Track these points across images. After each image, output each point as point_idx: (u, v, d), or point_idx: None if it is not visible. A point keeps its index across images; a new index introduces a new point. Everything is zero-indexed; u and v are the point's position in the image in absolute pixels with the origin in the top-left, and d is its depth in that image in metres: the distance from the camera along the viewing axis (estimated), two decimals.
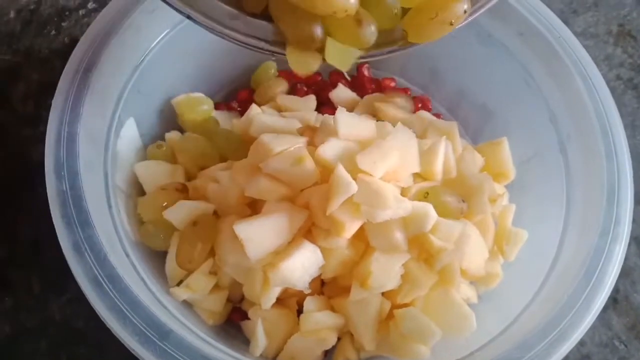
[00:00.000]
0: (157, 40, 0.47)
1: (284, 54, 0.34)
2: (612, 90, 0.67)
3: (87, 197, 0.37)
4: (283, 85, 0.54)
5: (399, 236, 0.40)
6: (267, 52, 0.35)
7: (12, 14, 0.63)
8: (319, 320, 0.41)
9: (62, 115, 0.40)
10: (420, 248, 0.41)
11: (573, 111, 0.46)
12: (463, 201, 0.41)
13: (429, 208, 0.40)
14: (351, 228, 0.38)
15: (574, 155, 0.46)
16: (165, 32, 0.47)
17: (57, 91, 0.41)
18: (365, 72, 0.56)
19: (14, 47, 0.61)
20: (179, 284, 0.43)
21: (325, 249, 0.40)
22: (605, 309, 0.55)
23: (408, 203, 0.39)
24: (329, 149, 0.40)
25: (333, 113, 0.50)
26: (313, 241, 0.40)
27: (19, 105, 0.58)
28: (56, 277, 0.50)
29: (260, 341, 0.41)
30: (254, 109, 0.50)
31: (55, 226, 0.36)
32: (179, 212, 0.42)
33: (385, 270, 0.39)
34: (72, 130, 0.39)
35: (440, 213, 0.40)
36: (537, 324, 0.39)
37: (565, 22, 0.70)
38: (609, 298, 0.54)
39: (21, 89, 0.59)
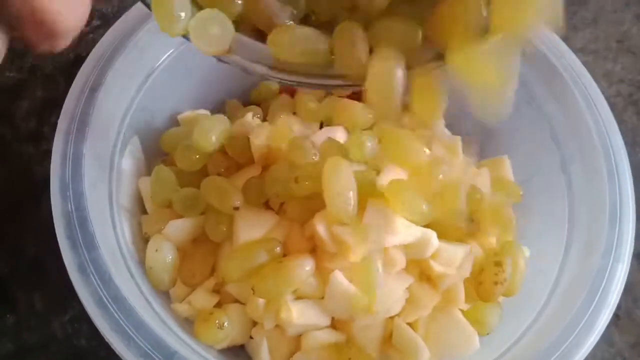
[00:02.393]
0: (162, 59, 0.47)
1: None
2: (612, 106, 0.67)
3: (92, 217, 0.38)
4: (291, 102, 0.54)
5: (398, 257, 0.40)
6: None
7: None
8: (321, 338, 0.41)
9: (67, 136, 0.40)
10: (422, 272, 0.41)
11: (575, 131, 0.46)
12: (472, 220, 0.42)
13: (431, 235, 0.40)
14: (358, 251, 0.39)
15: (576, 175, 0.46)
16: (170, 51, 0.47)
17: (62, 112, 0.41)
18: None
19: (18, 64, 0.61)
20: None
21: (329, 269, 0.40)
22: (607, 325, 0.55)
23: (416, 229, 0.40)
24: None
25: None
26: (317, 262, 0.40)
27: (22, 122, 0.58)
28: (59, 295, 0.50)
29: None
30: (247, 117, 0.49)
31: (61, 248, 0.36)
32: (175, 232, 0.42)
33: (390, 295, 0.39)
34: (78, 151, 0.39)
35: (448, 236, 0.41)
36: (540, 344, 0.39)
37: (565, 38, 0.70)
38: (612, 315, 0.54)
39: (25, 106, 0.59)
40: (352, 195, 0.37)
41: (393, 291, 0.40)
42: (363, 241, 0.39)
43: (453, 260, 0.41)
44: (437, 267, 0.40)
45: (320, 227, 0.39)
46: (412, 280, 0.41)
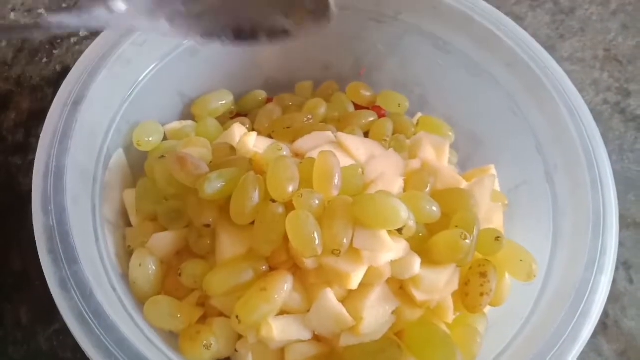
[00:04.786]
0: (146, 72, 0.47)
1: None
2: (599, 114, 0.68)
3: (74, 232, 0.37)
4: (278, 111, 0.55)
5: (386, 270, 0.40)
6: None
7: (3, 42, 0.63)
8: (304, 351, 0.41)
9: (49, 150, 0.40)
10: (406, 296, 0.42)
11: (559, 141, 0.46)
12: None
13: (414, 258, 0.40)
14: (357, 277, 0.39)
15: (560, 185, 0.46)
16: (155, 63, 0.47)
17: (45, 125, 0.41)
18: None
19: (5, 75, 0.61)
20: None
21: (314, 284, 0.40)
22: (595, 334, 0.55)
23: (404, 242, 0.40)
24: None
25: None
26: (302, 277, 0.40)
27: (8, 134, 0.58)
28: (44, 308, 0.50)
29: None
30: (234, 127, 0.49)
31: (42, 262, 0.36)
32: (159, 245, 0.42)
33: (378, 318, 0.40)
34: (60, 164, 0.39)
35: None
36: (525, 355, 0.39)
37: (552, 47, 0.71)
38: (599, 323, 0.54)
39: (11, 118, 0.59)
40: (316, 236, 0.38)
41: (380, 315, 0.40)
42: (360, 266, 0.39)
43: (436, 285, 0.41)
44: (419, 296, 0.41)
45: (307, 261, 0.39)
46: (398, 304, 0.41)
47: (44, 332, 0.49)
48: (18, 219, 0.53)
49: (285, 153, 0.44)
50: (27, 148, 0.57)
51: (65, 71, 0.44)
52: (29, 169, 0.57)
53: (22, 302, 0.50)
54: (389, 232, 0.40)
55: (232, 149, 0.46)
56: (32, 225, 0.38)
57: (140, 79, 0.47)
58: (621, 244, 0.57)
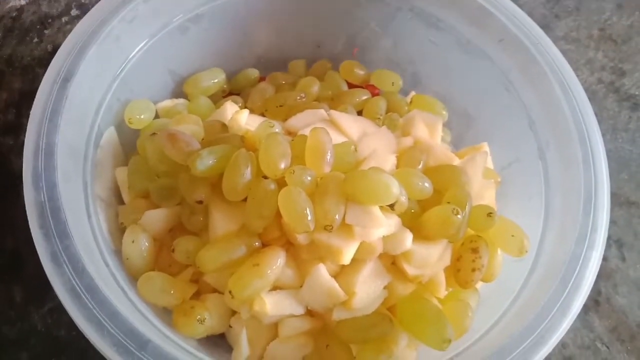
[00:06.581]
0: (137, 49, 0.47)
1: None
2: (594, 94, 0.68)
3: (65, 207, 0.37)
4: (270, 90, 0.54)
5: (378, 245, 0.40)
6: None
7: None
8: (297, 326, 0.41)
9: (40, 127, 0.39)
10: (399, 272, 0.42)
11: (551, 118, 0.46)
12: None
13: (406, 234, 0.40)
14: (349, 252, 0.39)
15: (552, 162, 0.46)
16: (144, 41, 0.47)
17: (34, 102, 0.41)
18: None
19: None
20: None
21: (307, 260, 0.40)
22: (587, 311, 0.55)
23: (396, 218, 0.40)
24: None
25: None
26: (295, 253, 0.40)
27: (0, 114, 0.57)
28: (38, 287, 0.50)
29: (244, 349, 0.41)
30: (226, 105, 0.49)
31: (34, 238, 0.36)
32: (151, 222, 0.42)
33: (369, 293, 0.40)
34: (50, 141, 0.39)
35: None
36: (514, 330, 0.39)
37: (547, 26, 0.71)
38: (591, 300, 0.55)
39: (3, 98, 0.58)
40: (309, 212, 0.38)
41: (372, 290, 0.40)
42: (352, 241, 0.39)
43: (428, 260, 0.41)
44: (410, 271, 0.41)
45: (300, 237, 0.39)
46: (390, 279, 0.41)
47: (37, 311, 0.49)
48: (10, 199, 0.53)
49: (277, 130, 0.44)
50: (19, 128, 0.57)
51: (56, 51, 0.43)
52: (21, 149, 0.56)
53: (15, 282, 0.51)
54: (381, 207, 0.40)
55: (224, 126, 0.46)
56: (24, 204, 0.38)
57: (131, 56, 0.46)
58: (614, 222, 0.58)
